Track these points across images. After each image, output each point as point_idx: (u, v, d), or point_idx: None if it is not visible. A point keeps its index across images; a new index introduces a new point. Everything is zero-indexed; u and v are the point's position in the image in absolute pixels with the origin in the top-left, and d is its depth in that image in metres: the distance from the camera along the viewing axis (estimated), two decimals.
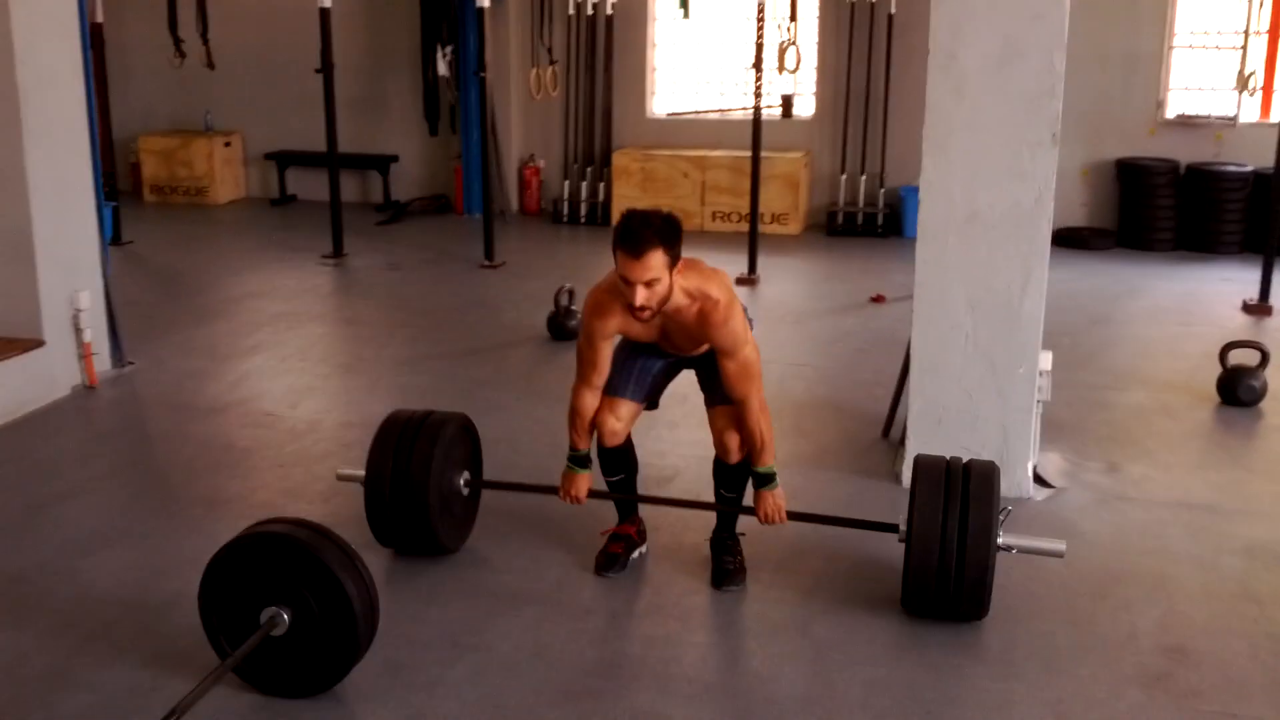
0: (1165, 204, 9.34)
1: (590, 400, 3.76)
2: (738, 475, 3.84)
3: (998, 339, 4.42)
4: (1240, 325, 6.98)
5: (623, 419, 3.83)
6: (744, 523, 3.90)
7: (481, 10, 8.53)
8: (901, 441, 4.88)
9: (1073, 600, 3.72)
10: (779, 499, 3.70)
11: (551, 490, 3.94)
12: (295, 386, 5.91)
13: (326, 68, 8.61)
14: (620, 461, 3.94)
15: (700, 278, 3.54)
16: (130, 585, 3.84)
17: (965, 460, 3.63)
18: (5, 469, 4.85)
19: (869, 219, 10.00)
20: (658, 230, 3.37)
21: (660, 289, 3.40)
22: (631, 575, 3.93)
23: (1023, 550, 3.51)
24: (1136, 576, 3.89)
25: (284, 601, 3.18)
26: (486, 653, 3.45)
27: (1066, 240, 9.51)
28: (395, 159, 11.11)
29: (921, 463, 3.63)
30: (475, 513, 4.16)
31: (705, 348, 3.68)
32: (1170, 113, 9.66)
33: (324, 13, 8.51)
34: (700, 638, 3.62)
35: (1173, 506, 4.44)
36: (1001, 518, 3.47)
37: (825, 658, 3.43)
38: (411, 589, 3.81)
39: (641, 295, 3.38)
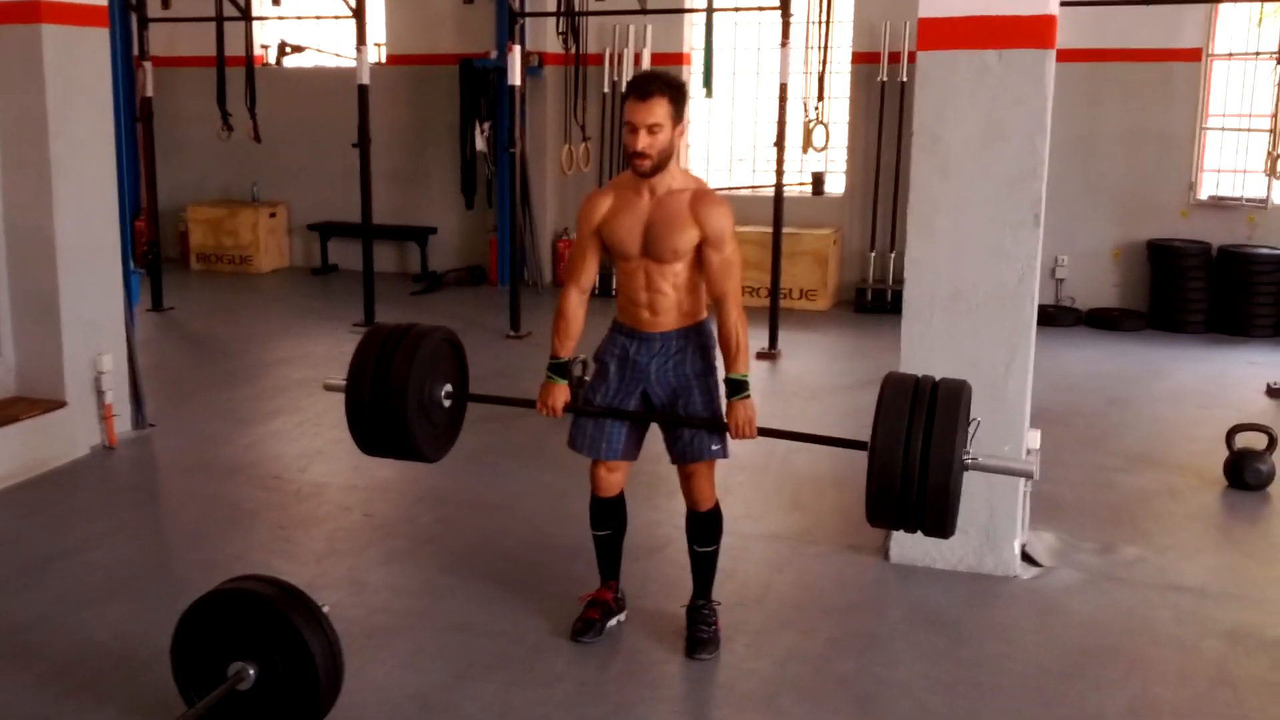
0: (1197, 286, 9.29)
1: (574, 301, 3.81)
2: (709, 527, 3.92)
3: (983, 417, 4.36)
4: (1262, 409, 6.90)
5: (616, 470, 3.90)
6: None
7: (513, 89, 8.77)
8: None
9: (1043, 678, 3.70)
10: (750, 410, 3.63)
11: (530, 404, 3.91)
12: (307, 450, 6.04)
13: (364, 142, 8.88)
14: (610, 515, 3.98)
15: (701, 182, 3.74)
16: (123, 638, 3.95)
17: (937, 379, 3.48)
18: (22, 523, 5.01)
19: (897, 296, 9.99)
20: (666, 81, 3.55)
21: (662, 139, 3.50)
22: (607, 642, 3.96)
23: (989, 469, 3.34)
24: (1113, 657, 3.85)
25: (251, 657, 3.26)
26: (453, 713, 3.50)
27: (1097, 321, 9.51)
28: (433, 230, 11.36)
29: (892, 378, 3.49)
30: (458, 427, 4.01)
31: (679, 256, 3.61)
32: (1203, 194, 9.65)
33: (362, 89, 8.80)
34: (666, 707, 3.63)
35: (1162, 589, 4.40)
36: (971, 430, 3.33)
37: None
38: (388, 649, 3.88)
39: (644, 140, 3.48)
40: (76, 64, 5.72)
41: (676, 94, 3.54)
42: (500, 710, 3.52)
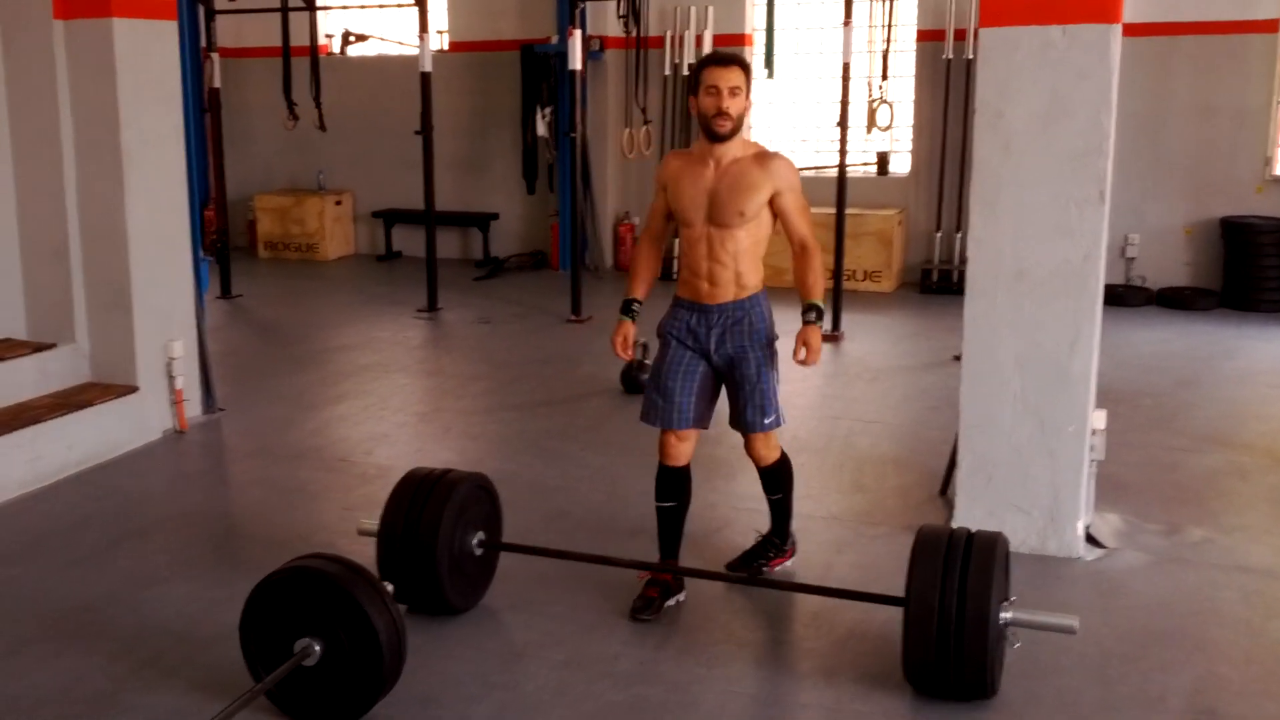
0: (1272, 264, 9.08)
1: (646, 249, 4.16)
2: (775, 478, 4.21)
3: (1047, 397, 4.39)
4: None
5: (685, 439, 4.04)
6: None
7: (574, 73, 8.80)
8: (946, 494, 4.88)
9: (1106, 660, 3.64)
10: (817, 336, 3.86)
11: (576, 556, 4.07)
12: (372, 434, 6.13)
13: (426, 129, 8.97)
14: (677, 486, 4.10)
15: (761, 146, 4.00)
16: (186, 617, 4.04)
17: (971, 530, 3.49)
18: (93, 505, 5.14)
19: (963, 277, 9.86)
20: (740, 56, 3.99)
21: (740, 102, 3.80)
22: (665, 621, 3.97)
23: (1028, 625, 3.33)
24: (1178, 639, 3.79)
25: (317, 633, 3.32)
26: (512, 691, 3.54)
27: (1168, 300, 9.34)
28: (495, 216, 11.44)
29: (925, 532, 3.48)
30: (491, 573, 4.13)
31: (745, 219, 3.85)
32: (1279, 170, 9.41)
33: (424, 76, 8.89)
34: (721, 686, 3.63)
35: (1229, 570, 4.32)
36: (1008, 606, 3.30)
37: (844, 708, 3.43)
38: (450, 629, 3.92)
39: (727, 100, 3.77)
40: (146, 57, 5.84)
41: (749, 69, 3.90)
42: (557, 688, 3.56)
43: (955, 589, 3.25)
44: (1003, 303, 4.40)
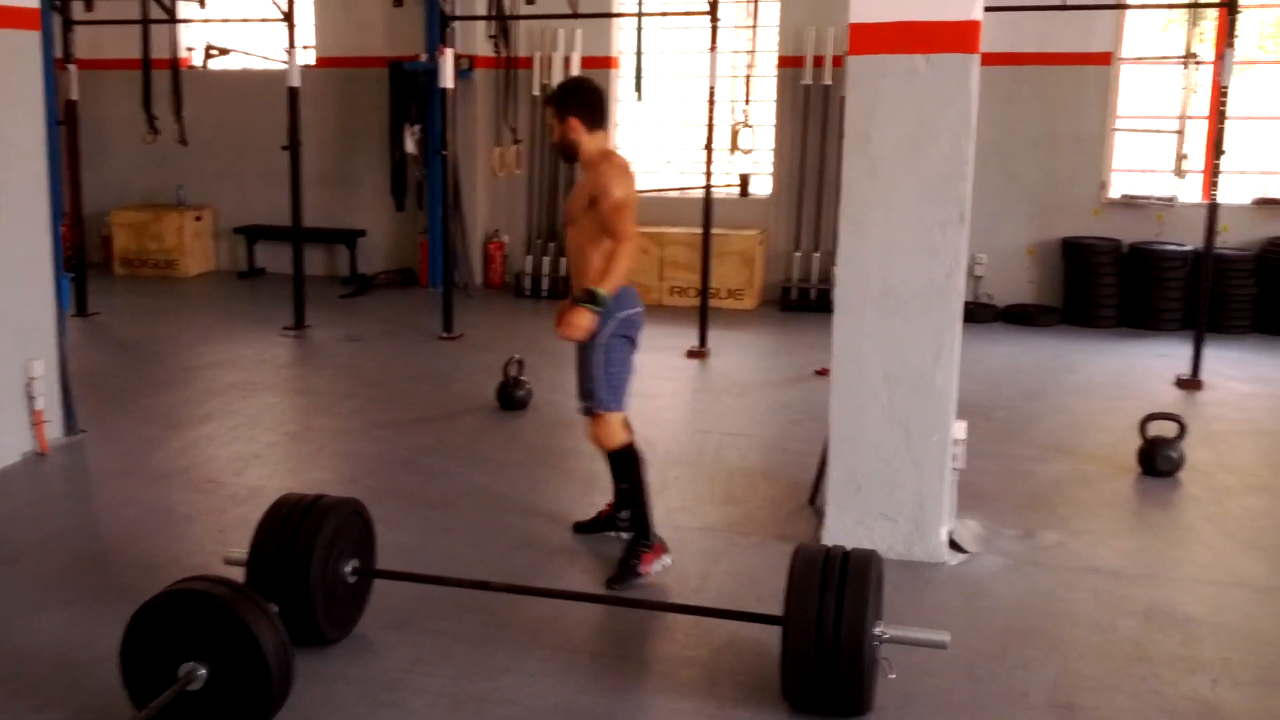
0: (1109, 282, 9.61)
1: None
2: (619, 465, 4.63)
3: (912, 409, 4.60)
4: (1171, 400, 7.20)
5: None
6: None
7: (444, 91, 8.81)
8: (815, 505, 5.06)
9: (974, 660, 3.84)
10: (583, 319, 4.33)
11: (454, 582, 4.12)
12: (241, 454, 6.04)
13: (294, 144, 8.87)
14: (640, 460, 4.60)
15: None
16: (62, 644, 3.94)
17: (846, 549, 3.60)
18: None
19: (822, 295, 10.21)
20: (561, 93, 4.60)
21: (563, 132, 4.53)
22: (549, 641, 4.03)
23: (902, 641, 3.44)
24: (1037, 637, 4.02)
25: (201, 657, 3.29)
26: (401, 709, 3.56)
27: (1013, 317, 9.79)
28: (362, 233, 11.35)
29: (801, 552, 3.60)
30: (365, 600, 4.07)
31: (584, 206, 4.45)
32: (1114, 193, 9.97)
33: (292, 91, 8.79)
34: (607, 698, 3.71)
35: (1080, 571, 4.59)
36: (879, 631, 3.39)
37: (725, 715, 3.55)
38: (330, 652, 3.89)
39: (553, 130, 4.59)
40: (8, 68, 5.66)
41: (566, 103, 4.49)
42: (449, 705, 3.58)
43: (832, 610, 3.33)
44: (870, 319, 4.60)
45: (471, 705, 3.58)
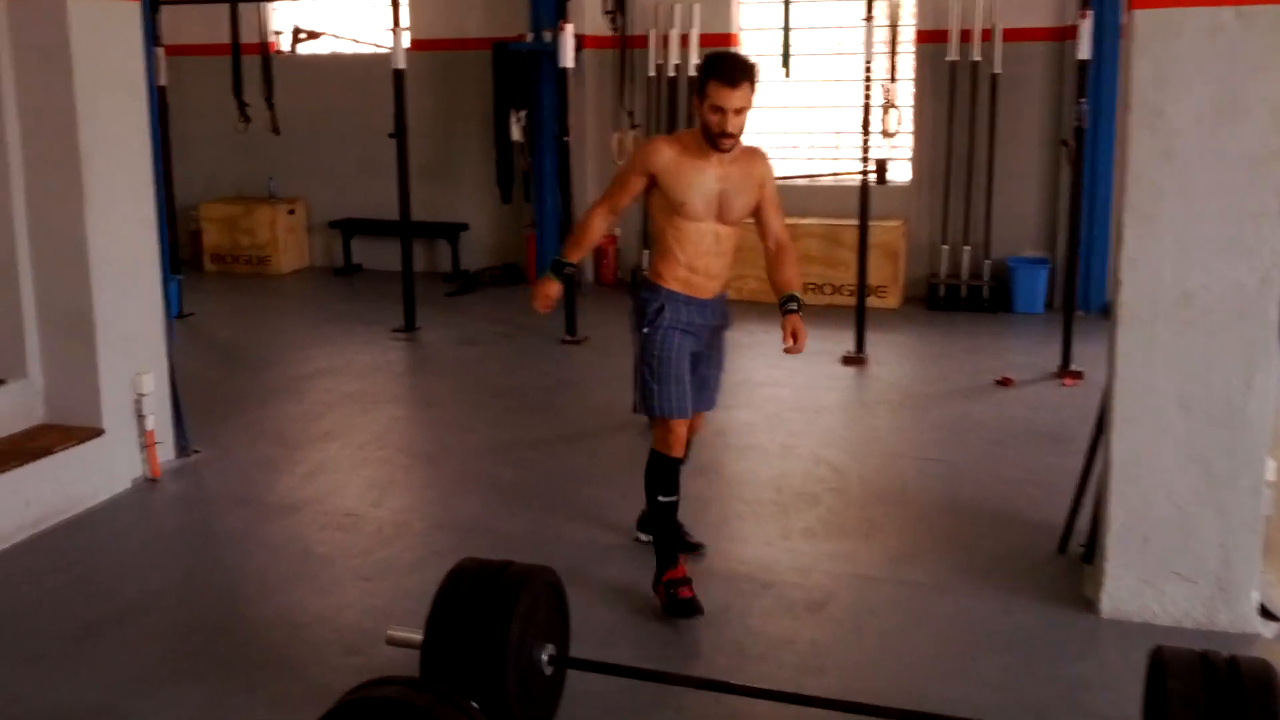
0: None
1: (600, 221, 4.07)
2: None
3: (1215, 444, 3.75)
4: None
5: (687, 426, 4.04)
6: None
7: (564, 72, 8.06)
8: (1087, 559, 4.22)
9: None
10: (801, 324, 3.89)
11: (678, 680, 3.39)
12: (375, 480, 5.32)
13: (401, 132, 8.17)
14: (679, 476, 4.04)
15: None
16: None
17: (1228, 655, 2.72)
18: (58, 578, 4.28)
19: (973, 292, 9.34)
20: (750, 68, 3.79)
21: (744, 120, 3.77)
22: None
23: None
24: None
25: None
26: None
27: None
28: (465, 227, 10.62)
29: (1169, 660, 2.69)
30: (559, 697, 3.29)
31: (744, 210, 3.96)
32: None
33: (398, 74, 8.10)
34: None
35: None
36: None
37: None
38: None
39: (733, 123, 3.73)
40: (106, 41, 4.98)
41: (756, 82, 3.80)
42: None
43: None
44: (1162, 333, 3.75)
45: None
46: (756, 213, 4.02)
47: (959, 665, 3.67)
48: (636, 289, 4.09)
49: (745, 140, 3.92)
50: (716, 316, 4.05)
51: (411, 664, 3.02)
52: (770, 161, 4.04)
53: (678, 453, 3.99)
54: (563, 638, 3.33)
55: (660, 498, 4.00)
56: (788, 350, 3.88)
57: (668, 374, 3.90)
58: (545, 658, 3.17)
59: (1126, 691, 3.25)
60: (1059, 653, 3.75)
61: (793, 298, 3.93)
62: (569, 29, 8.04)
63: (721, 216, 3.90)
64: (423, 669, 3.01)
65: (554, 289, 4.07)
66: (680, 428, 3.96)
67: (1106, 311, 8.52)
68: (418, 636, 3.05)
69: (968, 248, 9.37)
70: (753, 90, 3.77)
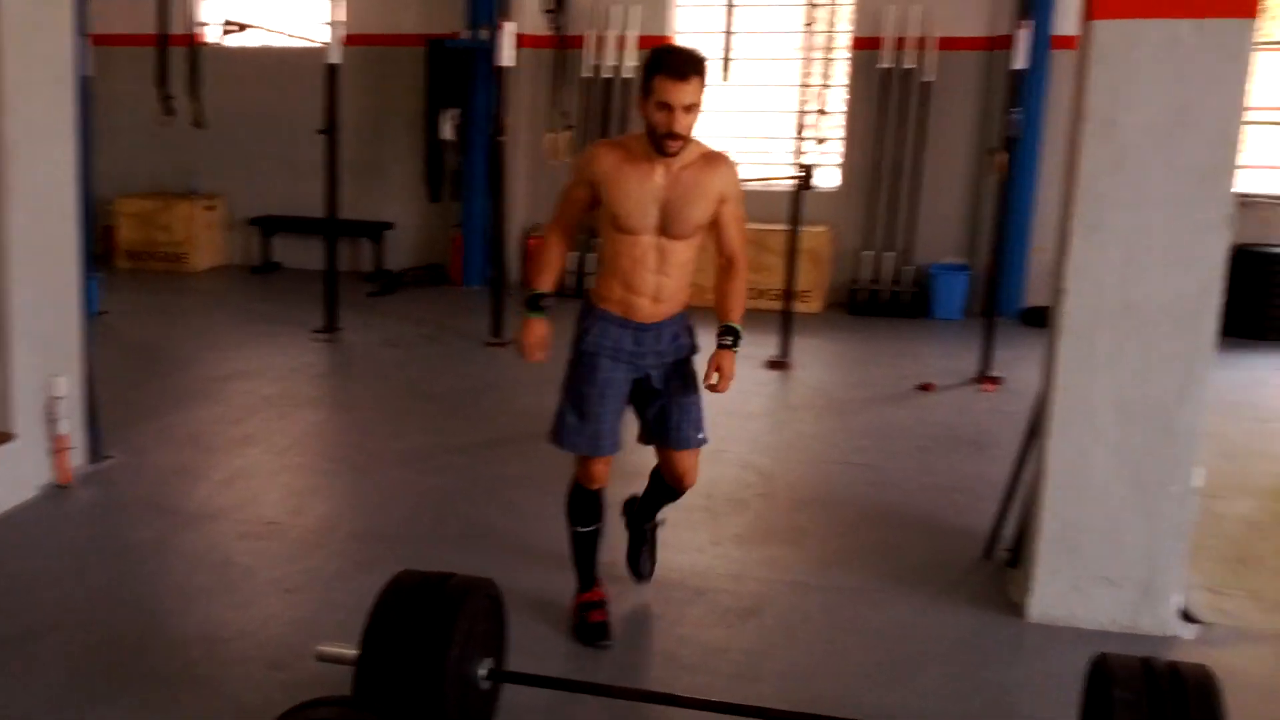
0: None
1: (557, 243, 3.71)
2: (674, 499, 3.98)
3: (1148, 452, 3.79)
4: None
5: (609, 462, 3.73)
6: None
7: (501, 70, 7.96)
8: (1013, 564, 4.24)
9: None
10: (731, 363, 3.56)
11: (619, 692, 3.30)
12: (297, 487, 5.17)
13: (331, 128, 7.99)
14: (598, 508, 3.81)
15: (699, 143, 3.53)
16: None
17: (1168, 662, 2.71)
18: None
19: (894, 297, 9.42)
20: (700, 61, 3.39)
21: (693, 119, 3.39)
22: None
23: None
24: None
25: None
26: None
27: None
28: (390, 226, 10.45)
29: (1112, 667, 2.66)
30: (493, 711, 3.16)
31: (694, 224, 3.51)
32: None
33: (331, 69, 7.92)
34: None
35: None
36: None
37: None
38: None
39: (681, 121, 3.34)
40: (38, 33, 4.76)
41: (706, 72, 3.41)
42: None
43: None
44: (1103, 342, 3.77)
45: None
46: (713, 227, 3.57)
47: (893, 672, 3.63)
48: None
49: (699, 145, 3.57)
50: (665, 342, 3.61)
51: (340, 680, 2.89)
52: (736, 171, 3.58)
53: (594, 485, 3.74)
54: (500, 651, 3.23)
55: (578, 529, 3.82)
56: (710, 388, 3.55)
57: (579, 406, 3.60)
58: (484, 672, 3.05)
59: (1057, 696, 3.28)
60: (990, 658, 3.76)
61: (730, 329, 3.54)
62: (509, 27, 7.94)
63: (666, 230, 3.48)
64: (356, 687, 2.87)
65: (538, 330, 3.66)
66: (595, 465, 3.69)
67: (1023, 318, 8.77)
68: (350, 652, 2.90)
69: (890, 254, 9.45)
70: (703, 86, 3.36)
